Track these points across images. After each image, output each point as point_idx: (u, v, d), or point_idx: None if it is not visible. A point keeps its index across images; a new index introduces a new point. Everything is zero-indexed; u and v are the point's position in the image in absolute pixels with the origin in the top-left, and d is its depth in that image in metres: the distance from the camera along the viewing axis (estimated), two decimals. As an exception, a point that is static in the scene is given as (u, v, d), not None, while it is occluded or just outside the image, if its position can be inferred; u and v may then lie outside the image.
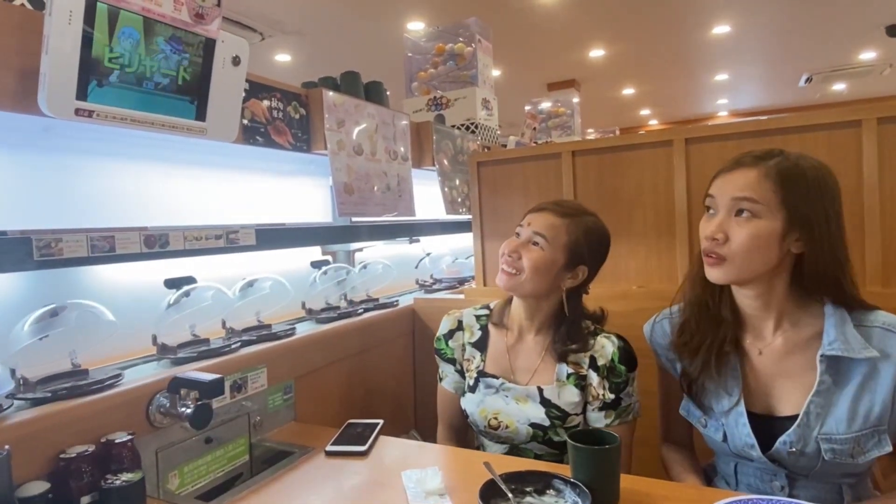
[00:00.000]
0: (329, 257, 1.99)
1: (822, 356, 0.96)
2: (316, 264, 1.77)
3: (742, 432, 1.01)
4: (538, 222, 1.23)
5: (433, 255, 2.57)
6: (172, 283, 1.28)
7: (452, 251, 2.78)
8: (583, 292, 1.28)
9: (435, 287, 2.40)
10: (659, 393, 1.25)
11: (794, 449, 0.95)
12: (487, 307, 1.39)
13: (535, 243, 1.21)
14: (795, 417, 0.96)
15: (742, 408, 1.01)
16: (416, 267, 2.50)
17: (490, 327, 1.35)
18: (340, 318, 1.69)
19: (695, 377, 1.07)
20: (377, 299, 1.96)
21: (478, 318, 1.37)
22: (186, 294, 1.28)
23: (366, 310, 1.82)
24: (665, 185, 1.60)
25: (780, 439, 0.96)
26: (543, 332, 1.27)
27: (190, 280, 1.30)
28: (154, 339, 1.26)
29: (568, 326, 1.24)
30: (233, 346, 1.32)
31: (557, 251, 1.21)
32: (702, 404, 1.08)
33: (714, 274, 1.00)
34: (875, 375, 0.94)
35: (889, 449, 0.93)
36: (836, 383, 0.96)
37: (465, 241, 2.91)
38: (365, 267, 1.95)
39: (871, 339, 0.95)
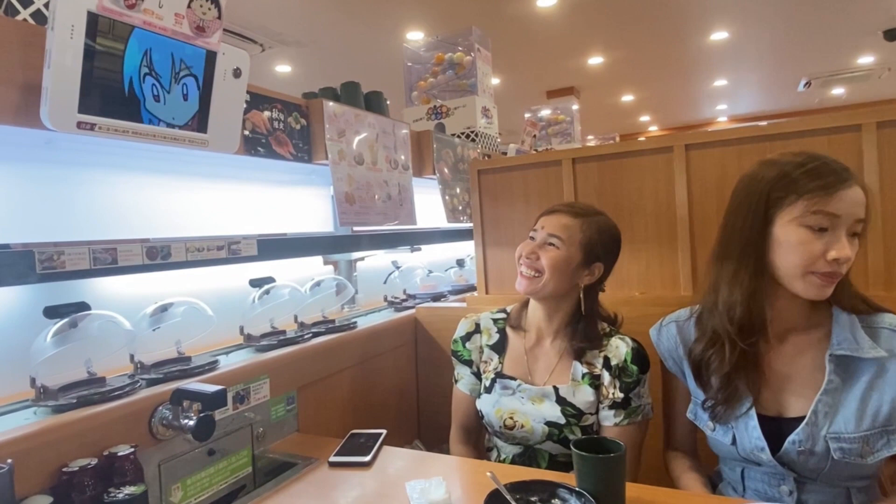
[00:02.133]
0: (332, 266, 1.99)
1: (830, 355, 0.97)
2: (255, 282, 1.52)
3: (753, 435, 1.00)
4: (552, 224, 1.25)
5: (405, 269, 2.30)
6: (54, 312, 1.06)
7: (428, 264, 2.51)
8: (599, 290, 1.30)
9: (406, 304, 2.11)
10: (662, 399, 1.24)
11: (803, 448, 0.95)
12: (504, 311, 1.40)
13: (551, 244, 1.23)
14: (804, 418, 0.96)
15: (753, 411, 1.01)
16: (385, 282, 2.23)
17: (508, 330, 1.36)
18: (282, 345, 1.47)
19: (721, 400, 1.04)
20: (333, 321, 1.72)
21: (495, 321, 1.39)
22: (74, 324, 1.07)
23: (315, 334, 1.60)
24: (666, 192, 1.60)
25: (790, 439, 0.96)
26: (561, 334, 1.29)
27: (81, 307, 1.09)
28: (32, 381, 1.04)
29: (585, 324, 1.25)
30: (128, 389, 1.09)
31: (573, 249, 1.23)
32: (716, 415, 1.06)
33: (828, 291, 0.96)
34: (883, 375, 0.95)
35: None
36: (845, 383, 0.97)
37: (438, 253, 2.82)
38: (318, 284, 1.71)
39: (879, 339, 0.96)
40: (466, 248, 2.88)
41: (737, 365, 1.03)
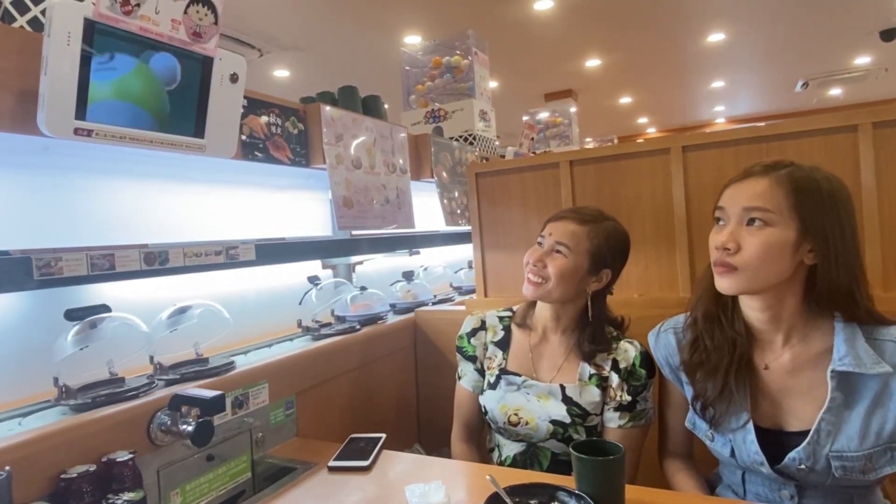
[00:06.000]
0: (331, 270, 1.99)
1: (832, 372, 0.95)
2: (75, 314, 1.09)
3: (750, 449, 1.00)
4: (559, 231, 1.25)
5: (324, 287, 1.80)
6: None
7: (357, 277, 2.08)
8: (607, 294, 1.31)
9: (324, 332, 1.67)
10: (659, 405, 1.24)
11: (803, 466, 0.94)
12: (510, 309, 1.42)
13: (558, 251, 1.24)
14: (806, 433, 0.95)
15: (750, 425, 1.00)
16: (300, 303, 1.75)
17: (513, 327, 1.37)
18: (110, 401, 1.06)
19: (711, 401, 1.04)
20: (206, 360, 1.32)
21: (501, 318, 1.40)
22: None
23: (170, 382, 1.20)
24: (663, 193, 1.60)
25: (790, 455, 0.95)
26: (568, 332, 1.29)
27: None
28: None
29: (593, 328, 1.26)
30: None
31: (581, 257, 1.23)
32: (712, 421, 1.06)
33: (725, 284, 0.97)
34: (887, 391, 0.92)
35: None
36: (848, 400, 0.94)
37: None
38: (183, 311, 1.29)
39: (884, 353, 0.93)
40: (465, 252, 2.87)
41: (726, 365, 1.02)
